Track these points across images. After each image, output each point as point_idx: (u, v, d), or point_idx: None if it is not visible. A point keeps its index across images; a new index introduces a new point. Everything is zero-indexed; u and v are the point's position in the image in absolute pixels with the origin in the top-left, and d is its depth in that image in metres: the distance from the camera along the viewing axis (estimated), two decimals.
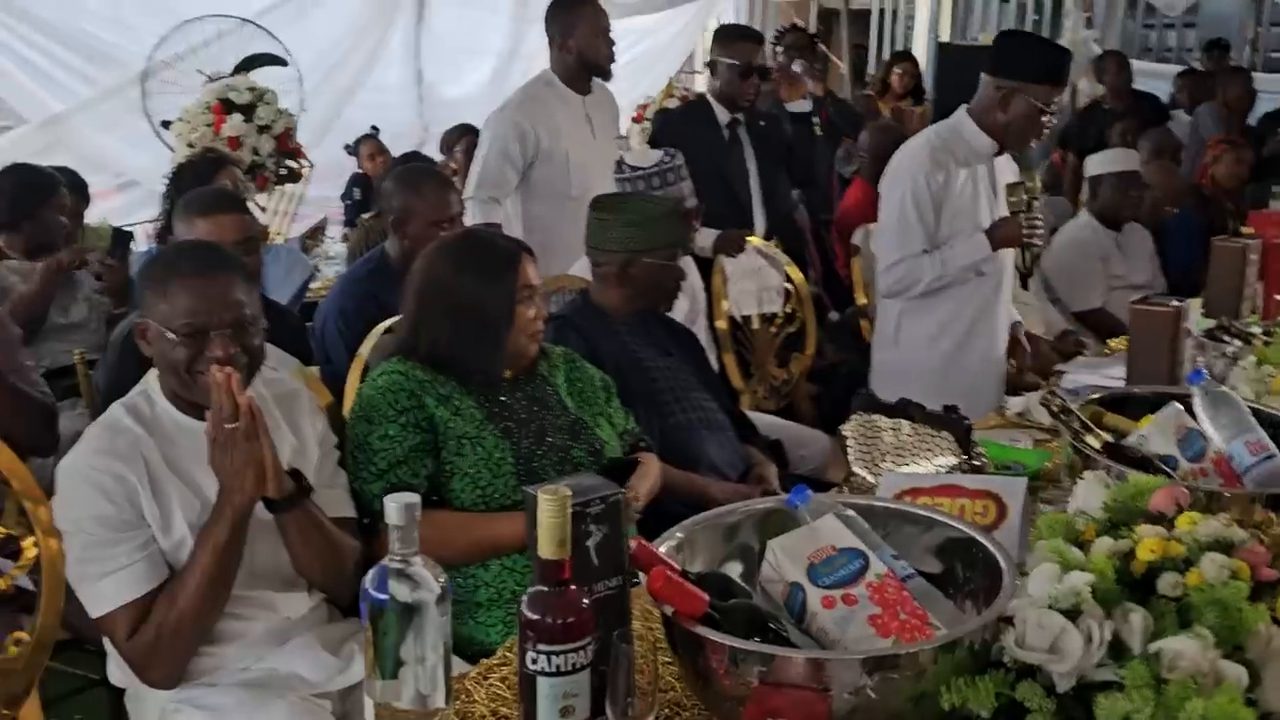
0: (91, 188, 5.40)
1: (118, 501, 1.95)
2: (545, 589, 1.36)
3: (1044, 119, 3.38)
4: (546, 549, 1.35)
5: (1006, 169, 3.54)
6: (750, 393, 4.11)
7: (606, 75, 4.26)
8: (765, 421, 3.65)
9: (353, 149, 7.00)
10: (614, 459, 2.48)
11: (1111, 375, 3.26)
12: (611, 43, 4.20)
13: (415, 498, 1.37)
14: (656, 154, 3.52)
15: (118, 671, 2.08)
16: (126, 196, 6.46)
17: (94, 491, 1.95)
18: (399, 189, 3.36)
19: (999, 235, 3.43)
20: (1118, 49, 8.90)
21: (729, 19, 9.10)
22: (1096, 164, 4.94)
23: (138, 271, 2.16)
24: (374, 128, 7.02)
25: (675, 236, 3.03)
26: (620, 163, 3.55)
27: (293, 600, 2.12)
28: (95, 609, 1.96)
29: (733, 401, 3.66)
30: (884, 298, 3.64)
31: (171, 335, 2.00)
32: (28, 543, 2.07)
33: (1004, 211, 3.45)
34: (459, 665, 1.83)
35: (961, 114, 3.51)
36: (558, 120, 4.12)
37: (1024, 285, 3.58)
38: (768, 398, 4.21)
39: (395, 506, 1.37)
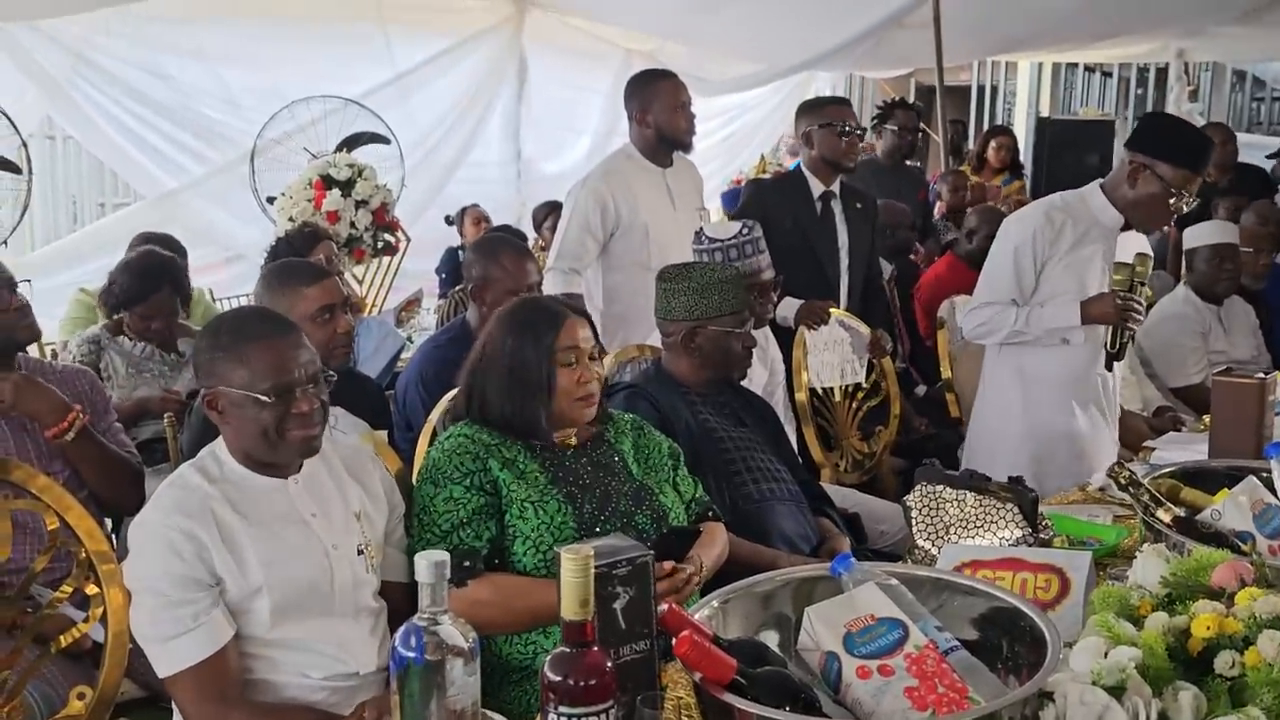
0: (200, 260, 5.63)
1: (188, 559, 1.98)
2: (568, 650, 1.35)
3: (1171, 202, 3.31)
4: (569, 609, 1.34)
5: (1132, 247, 3.47)
6: (831, 466, 4.05)
7: (687, 148, 4.30)
8: (845, 495, 3.60)
9: (454, 219, 7.16)
10: (679, 526, 2.47)
11: (1202, 451, 3.15)
12: (691, 116, 4.24)
13: (444, 555, 1.38)
14: (735, 226, 3.51)
15: None
16: (233, 270, 6.70)
17: (165, 549, 1.99)
18: (478, 258, 3.43)
19: (1093, 310, 3.37)
20: (1223, 122, 8.71)
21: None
22: (1193, 237, 4.82)
23: (197, 346, 2.19)
24: (448, 219, 7.20)
25: (739, 303, 3.01)
26: (699, 233, 3.55)
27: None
28: (163, 669, 2.00)
29: (812, 474, 3.62)
30: (965, 339, 3.66)
31: (261, 398, 2.05)
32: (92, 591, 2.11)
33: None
34: None
35: (1094, 186, 3.50)
36: (637, 192, 4.17)
37: (1108, 366, 3.46)
38: (850, 471, 4.15)
39: (425, 564, 1.38)
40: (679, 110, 4.19)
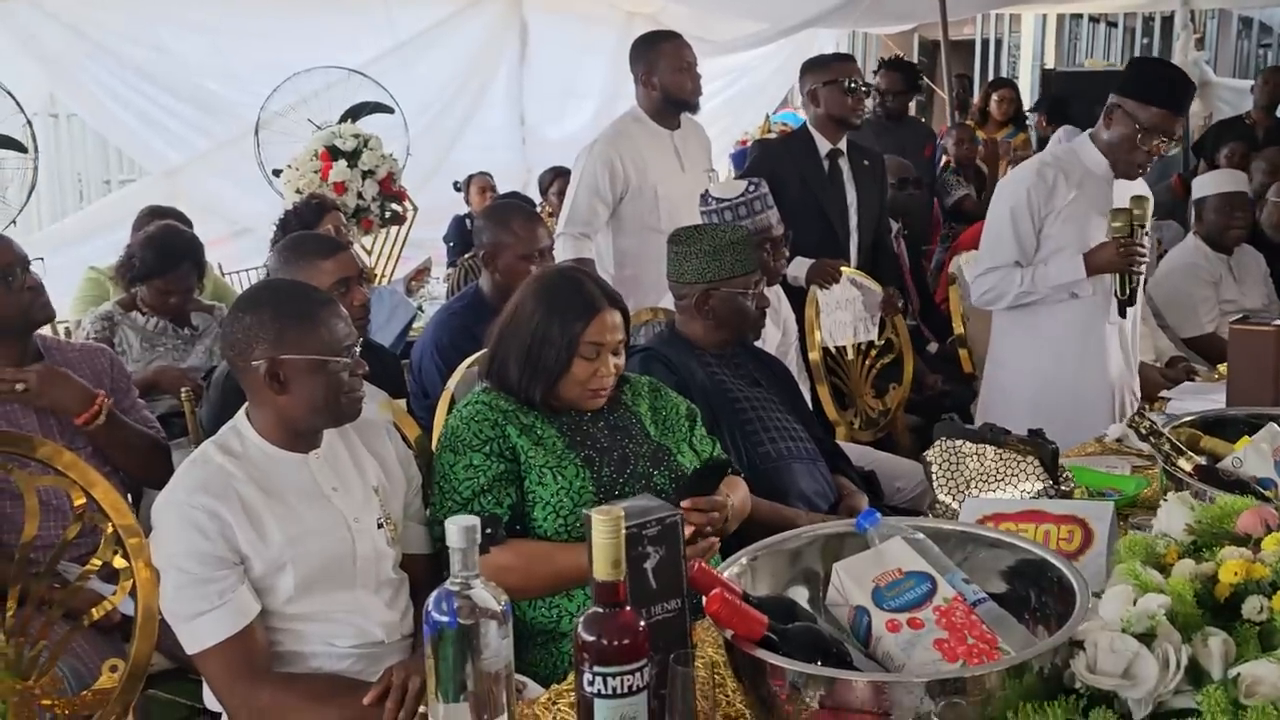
0: (208, 235, 5.61)
1: (211, 537, 2.00)
2: (601, 610, 1.36)
3: (1140, 140, 3.29)
4: (601, 570, 1.35)
5: (1129, 192, 3.45)
6: (846, 424, 4.06)
7: (694, 109, 4.28)
8: (860, 453, 3.61)
9: (461, 186, 7.14)
10: (707, 462, 2.47)
11: (1218, 400, 3.16)
12: (697, 77, 4.22)
13: (474, 520, 1.39)
14: (741, 184, 3.50)
15: (213, 698, 2.14)
16: (240, 243, 6.69)
17: (188, 527, 2.00)
18: (488, 225, 3.42)
19: (1095, 260, 3.36)
20: (1230, 71, 8.65)
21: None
22: (1202, 186, 4.79)
23: (244, 320, 2.15)
24: (455, 184, 7.16)
25: (750, 264, 3.00)
26: (705, 195, 3.54)
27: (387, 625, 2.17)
28: (191, 646, 2.02)
29: (827, 433, 3.62)
30: (974, 306, 3.66)
31: (340, 359, 2.10)
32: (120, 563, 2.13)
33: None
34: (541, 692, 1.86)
35: (1084, 136, 3.49)
36: (646, 155, 4.16)
37: (1121, 313, 3.44)
38: (864, 429, 4.16)
39: (455, 529, 1.38)
40: (684, 71, 4.17)
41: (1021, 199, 3.42)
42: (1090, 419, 3.42)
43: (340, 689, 2.06)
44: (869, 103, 6.57)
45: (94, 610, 2.17)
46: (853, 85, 4.30)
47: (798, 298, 4.07)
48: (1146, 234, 3.35)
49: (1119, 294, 3.40)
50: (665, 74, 4.17)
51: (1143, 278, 3.43)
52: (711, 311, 2.99)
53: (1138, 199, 3.35)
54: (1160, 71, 3.51)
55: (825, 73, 4.37)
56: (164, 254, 3.91)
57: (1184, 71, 3.53)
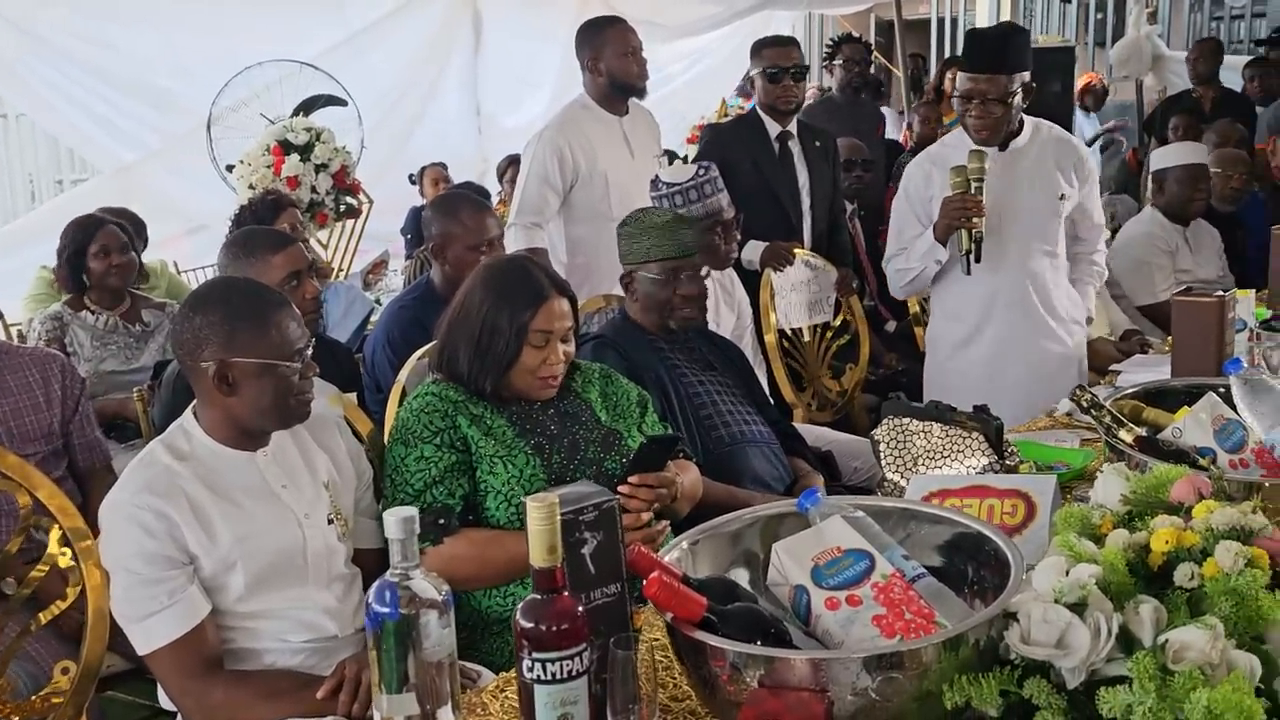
0: (163, 234, 5.57)
1: (159, 537, 1.99)
2: (539, 597, 1.37)
3: (959, 104, 3.39)
4: (538, 556, 1.36)
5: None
6: (804, 405, 4.08)
7: (640, 94, 4.28)
8: (817, 434, 3.63)
9: (416, 179, 7.11)
10: (657, 435, 2.48)
11: (1166, 372, 3.19)
12: (643, 61, 4.21)
13: (413, 511, 1.39)
14: (691, 168, 3.51)
15: (166, 698, 2.13)
16: (196, 240, 6.63)
17: (136, 528, 1.99)
18: (436, 216, 3.42)
19: (939, 223, 3.40)
20: (1183, 44, 8.72)
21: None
22: (1162, 158, 4.84)
23: (194, 321, 2.13)
24: (411, 177, 7.12)
25: (671, 249, 2.95)
26: (655, 180, 3.54)
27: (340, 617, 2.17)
28: (142, 647, 2.01)
29: (784, 415, 3.64)
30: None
31: (290, 363, 2.08)
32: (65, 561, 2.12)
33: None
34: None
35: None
36: (595, 142, 4.15)
37: (966, 270, 3.41)
38: (822, 410, 4.18)
39: (394, 520, 1.39)
40: (629, 56, 4.17)
41: (903, 190, 3.61)
42: (1030, 387, 3.46)
43: (293, 684, 2.05)
44: (832, 81, 6.61)
45: (40, 615, 2.15)
46: (774, 71, 4.32)
47: (752, 281, 4.08)
48: (980, 187, 3.31)
49: (961, 250, 3.38)
50: (610, 59, 4.16)
51: (980, 231, 3.36)
52: (635, 294, 3.00)
53: (975, 153, 3.35)
54: (970, 38, 3.64)
55: (758, 59, 4.41)
56: (82, 225, 3.91)
57: (995, 32, 3.57)
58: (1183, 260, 4.73)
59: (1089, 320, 3.77)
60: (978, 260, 3.35)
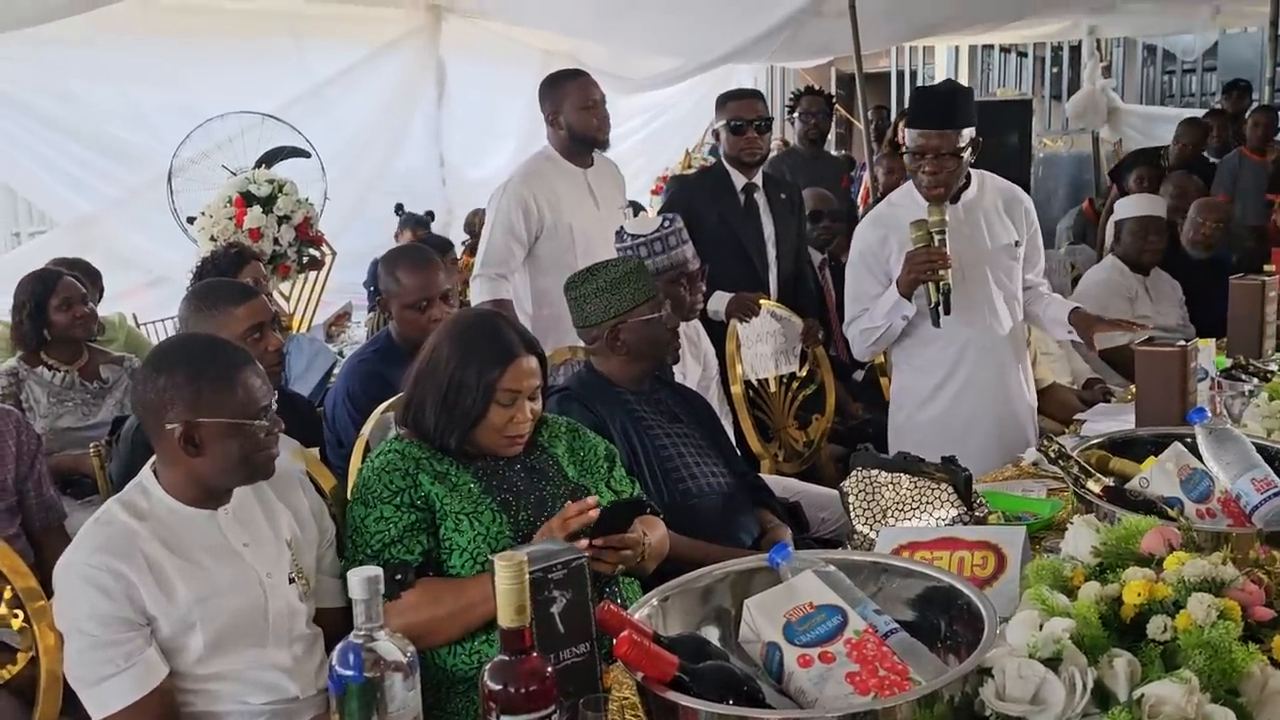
0: (123, 285, 5.50)
1: (115, 597, 1.94)
2: (507, 658, 1.34)
3: (911, 161, 3.37)
4: (505, 616, 1.33)
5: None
6: (770, 456, 4.07)
7: (603, 146, 4.29)
8: (785, 485, 3.61)
9: (401, 211, 7.11)
10: (623, 499, 2.45)
11: (1130, 421, 3.20)
12: (604, 115, 4.22)
13: (377, 571, 1.37)
14: (656, 220, 3.51)
15: None
16: (156, 292, 6.57)
17: (92, 589, 1.94)
18: (381, 272, 3.46)
19: (903, 279, 3.38)
20: (1137, 97, 8.88)
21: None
22: (1122, 209, 4.92)
23: (158, 382, 2.08)
24: (398, 207, 7.09)
25: (649, 290, 2.98)
26: (621, 231, 3.54)
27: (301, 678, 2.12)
28: (97, 712, 1.96)
29: (751, 466, 3.62)
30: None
31: (256, 422, 2.05)
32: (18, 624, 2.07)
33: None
34: None
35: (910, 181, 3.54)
36: (559, 194, 4.15)
37: (935, 323, 3.39)
38: (789, 460, 4.17)
39: (357, 580, 1.36)
40: (590, 109, 4.18)
41: (857, 254, 3.58)
42: (996, 437, 3.46)
43: None
44: (793, 133, 6.65)
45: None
46: (738, 124, 4.35)
47: (718, 332, 4.08)
48: (944, 239, 3.31)
49: (929, 303, 3.37)
50: (570, 112, 4.17)
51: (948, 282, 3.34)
52: (625, 346, 2.98)
53: (934, 207, 3.35)
54: (917, 96, 3.68)
55: (723, 112, 4.45)
56: (39, 277, 3.87)
57: (943, 89, 3.56)
58: (1141, 307, 4.78)
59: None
60: (947, 312, 3.34)
